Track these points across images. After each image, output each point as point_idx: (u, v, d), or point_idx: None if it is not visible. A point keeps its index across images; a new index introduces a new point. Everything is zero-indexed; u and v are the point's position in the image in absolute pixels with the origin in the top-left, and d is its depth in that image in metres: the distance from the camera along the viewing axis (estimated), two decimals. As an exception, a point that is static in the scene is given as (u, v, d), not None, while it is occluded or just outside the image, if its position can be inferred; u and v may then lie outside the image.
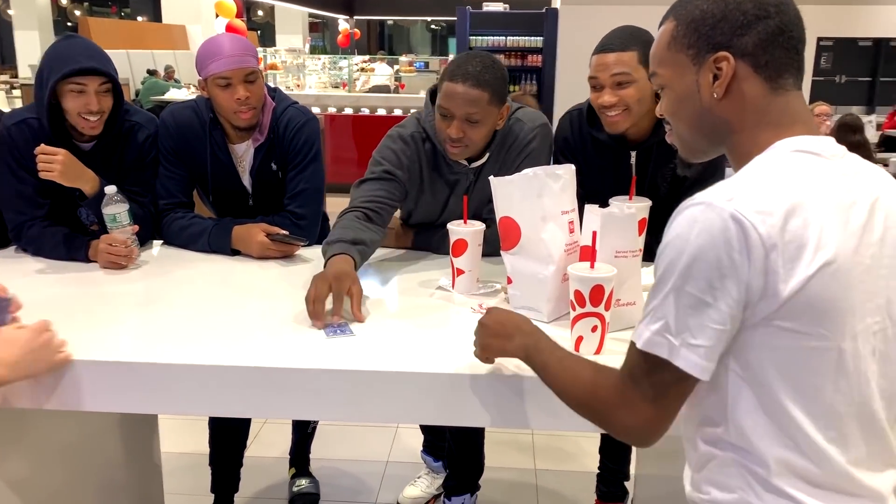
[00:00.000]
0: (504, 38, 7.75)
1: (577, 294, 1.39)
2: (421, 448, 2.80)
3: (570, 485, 2.88)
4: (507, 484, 2.86)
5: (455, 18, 8.13)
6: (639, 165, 2.05)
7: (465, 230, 1.74)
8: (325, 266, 1.72)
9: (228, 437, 2.49)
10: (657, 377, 0.96)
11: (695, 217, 0.91)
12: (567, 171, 1.58)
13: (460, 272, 1.76)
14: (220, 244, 2.06)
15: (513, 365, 1.37)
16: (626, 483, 2.58)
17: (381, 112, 8.16)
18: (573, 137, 2.14)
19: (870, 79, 16.27)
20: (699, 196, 0.94)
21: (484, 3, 8.31)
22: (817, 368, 0.91)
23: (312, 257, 2.08)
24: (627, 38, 1.88)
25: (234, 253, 2.07)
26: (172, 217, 2.14)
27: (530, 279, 1.59)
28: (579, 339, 1.42)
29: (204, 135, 2.13)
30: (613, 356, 1.42)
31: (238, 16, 8.21)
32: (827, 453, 0.93)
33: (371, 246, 1.85)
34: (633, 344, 1.00)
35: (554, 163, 2.20)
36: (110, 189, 1.92)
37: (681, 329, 0.92)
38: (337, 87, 9.53)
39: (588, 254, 1.49)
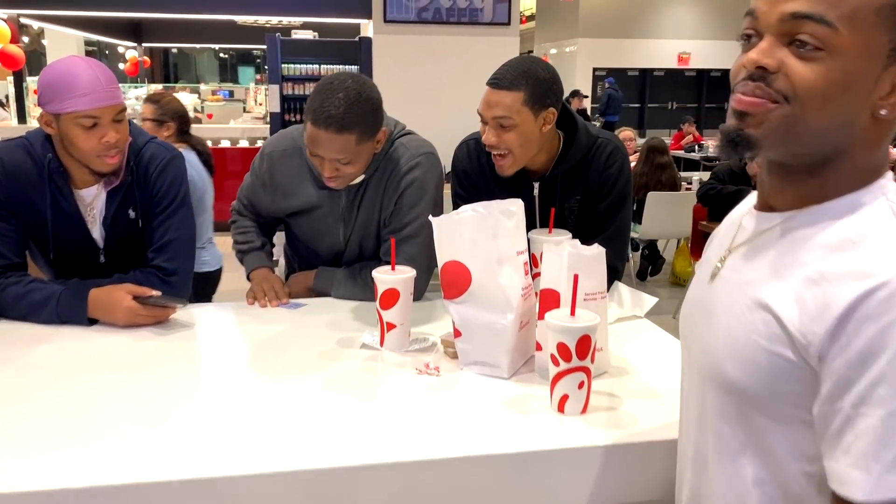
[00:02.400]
0: (317, 66, 7.51)
1: (562, 347, 1.22)
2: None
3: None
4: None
5: (247, 46, 7.79)
6: (542, 198, 1.94)
7: (394, 278, 1.52)
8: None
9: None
10: None
11: None
12: (518, 207, 1.42)
13: (391, 326, 1.53)
14: (73, 313, 1.66)
15: (506, 443, 1.18)
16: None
17: (188, 144, 7.56)
18: (471, 168, 2.00)
19: (638, 105, 18.00)
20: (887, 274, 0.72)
21: (293, 31, 8.03)
22: None
23: (192, 321, 1.74)
24: (518, 76, 1.76)
25: (92, 322, 1.68)
26: (4, 283, 1.70)
27: (485, 330, 1.40)
28: (564, 399, 1.25)
29: (41, 180, 1.72)
30: (598, 413, 1.27)
31: (13, 41, 7.24)
32: None
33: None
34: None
35: (452, 195, 2.05)
36: None
37: None
38: (134, 118, 8.72)
39: (556, 299, 1.33)
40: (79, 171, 1.74)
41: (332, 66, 7.55)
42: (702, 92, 17.52)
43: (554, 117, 1.82)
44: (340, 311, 1.82)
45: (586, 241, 1.41)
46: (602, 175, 1.90)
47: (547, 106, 1.79)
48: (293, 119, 7.29)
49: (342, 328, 1.69)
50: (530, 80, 1.76)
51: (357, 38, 7.62)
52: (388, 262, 1.85)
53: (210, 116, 8.53)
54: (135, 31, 12.40)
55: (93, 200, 1.78)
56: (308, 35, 8.02)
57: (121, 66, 13.52)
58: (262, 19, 10.45)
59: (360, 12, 7.00)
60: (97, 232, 1.81)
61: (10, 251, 1.74)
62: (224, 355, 1.60)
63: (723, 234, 0.98)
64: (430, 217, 1.43)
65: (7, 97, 9.80)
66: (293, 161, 1.91)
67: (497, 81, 1.77)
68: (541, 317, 1.37)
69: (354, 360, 1.50)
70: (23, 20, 8.59)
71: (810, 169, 0.83)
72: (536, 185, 1.94)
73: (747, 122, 0.81)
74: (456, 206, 2.03)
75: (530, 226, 1.87)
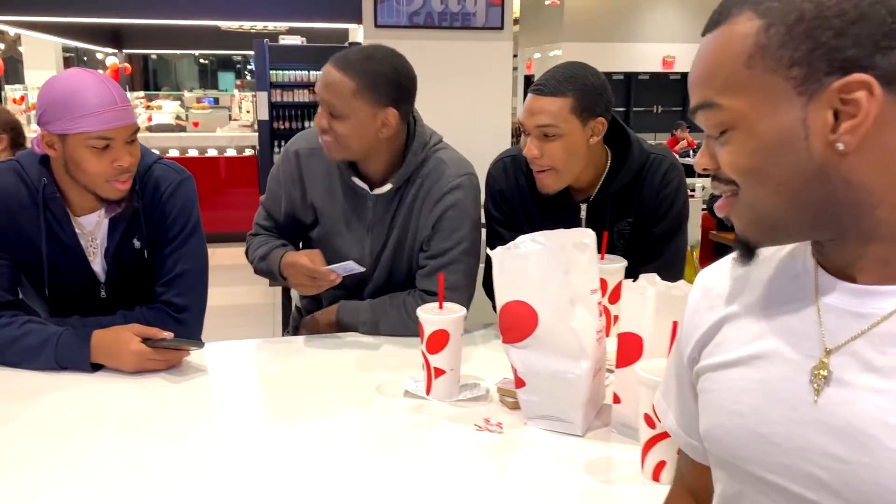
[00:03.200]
0: (306, 72, 7.31)
1: (659, 406, 1.05)
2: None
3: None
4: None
5: (230, 52, 7.58)
6: (590, 222, 1.77)
7: (444, 318, 1.34)
8: (279, 271, 1.70)
9: None
10: None
11: None
12: (591, 238, 1.25)
13: (439, 372, 1.36)
14: (74, 358, 1.47)
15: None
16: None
17: (174, 153, 7.33)
18: (508, 188, 1.83)
19: (624, 109, 17.94)
20: None
21: (280, 37, 7.84)
22: None
23: (206, 365, 1.55)
24: (563, 81, 1.61)
25: (96, 368, 1.49)
26: (-6, 325, 1.51)
27: (554, 380, 1.22)
28: (660, 466, 1.08)
29: (35, 208, 1.53)
30: (697, 478, 1.10)
31: (-10, 48, 6.99)
32: None
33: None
34: None
35: (486, 217, 1.88)
36: None
37: None
38: (116, 127, 8.43)
39: (638, 345, 1.17)
40: (79, 196, 1.55)
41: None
42: (687, 96, 17.48)
43: (604, 128, 1.66)
44: (369, 349, 1.64)
45: (639, 267, 1.26)
46: (658, 196, 1.74)
47: (596, 115, 1.64)
48: (282, 127, 7.07)
49: (378, 370, 1.51)
50: (578, 85, 1.61)
51: (347, 44, 7.44)
52: (425, 292, 1.68)
53: (196, 125, 8.29)
54: (115, 37, 12.11)
55: (94, 229, 1.59)
56: (296, 40, 7.83)
57: (100, 73, 13.28)
58: (246, 24, 10.24)
59: (349, 17, 6.81)
60: (98, 264, 1.62)
61: (1, 288, 1.54)
62: (248, 407, 1.42)
63: (791, 322, 0.72)
64: (489, 251, 1.26)
65: (-17, 106, 9.50)
66: (322, 161, 1.74)
67: (541, 87, 1.62)
68: (619, 364, 1.20)
69: (400, 414, 1.32)
70: (-1, 26, 8.31)
71: (848, 232, 0.67)
72: (584, 206, 1.77)
73: (733, 224, 0.74)
74: (491, 229, 1.86)
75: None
